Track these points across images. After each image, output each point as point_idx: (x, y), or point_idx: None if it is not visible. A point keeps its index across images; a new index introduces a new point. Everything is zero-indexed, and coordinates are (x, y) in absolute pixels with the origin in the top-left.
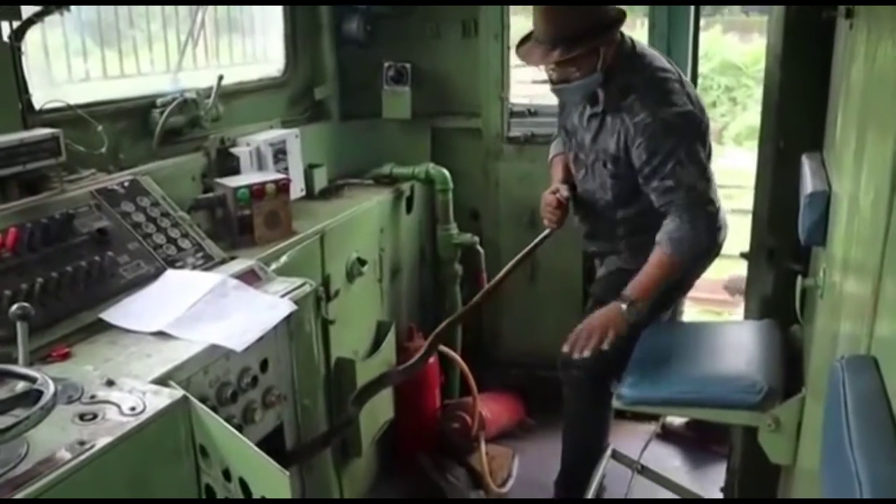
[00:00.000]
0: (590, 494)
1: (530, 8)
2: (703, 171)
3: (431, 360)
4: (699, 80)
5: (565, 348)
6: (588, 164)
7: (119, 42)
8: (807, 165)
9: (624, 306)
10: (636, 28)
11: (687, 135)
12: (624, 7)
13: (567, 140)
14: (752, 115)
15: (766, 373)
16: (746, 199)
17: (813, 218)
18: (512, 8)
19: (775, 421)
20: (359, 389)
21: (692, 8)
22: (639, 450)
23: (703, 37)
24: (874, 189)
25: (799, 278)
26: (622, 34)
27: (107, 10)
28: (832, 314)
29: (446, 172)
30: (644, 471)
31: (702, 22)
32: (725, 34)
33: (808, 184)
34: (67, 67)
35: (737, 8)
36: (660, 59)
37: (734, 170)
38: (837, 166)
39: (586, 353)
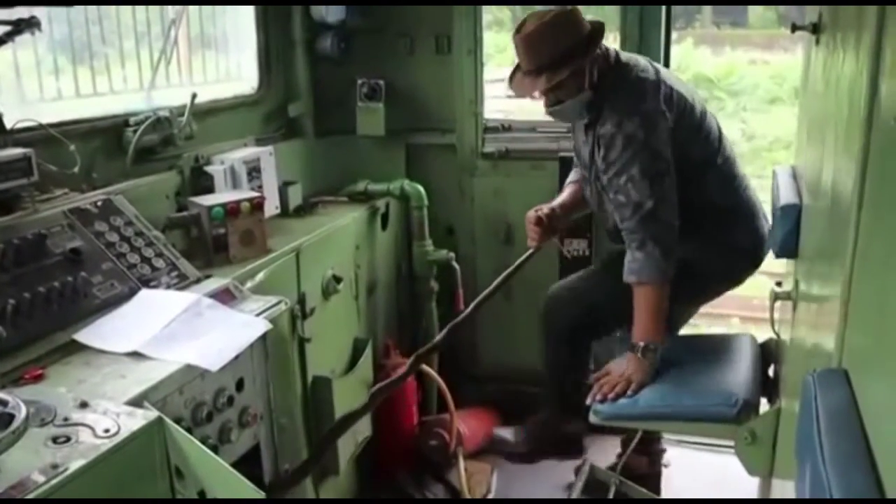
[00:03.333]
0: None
1: (503, 22)
2: (657, 188)
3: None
4: None
5: (589, 400)
6: (590, 180)
7: (91, 60)
8: (779, 178)
9: (638, 354)
10: (608, 41)
11: (647, 148)
12: (600, 20)
13: (577, 161)
14: (724, 128)
15: (741, 386)
16: None
17: (784, 230)
18: (484, 23)
19: (751, 434)
20: (341, 418)
21: (663, 21)
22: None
23: (675, 50)
24: (841, 202)
25: (771, 290)
26: (605, 46)
27: (79, 28)
28: (806, 326)
29: (421, 189)
30: (622, 485)
31: (674, 35)
32: (697, 47)
33: (780, 196)
34: (39, 86)
35: (708, 21)
36: (639, 64)
37: None
38: (807, 178)
39: (610, 398)
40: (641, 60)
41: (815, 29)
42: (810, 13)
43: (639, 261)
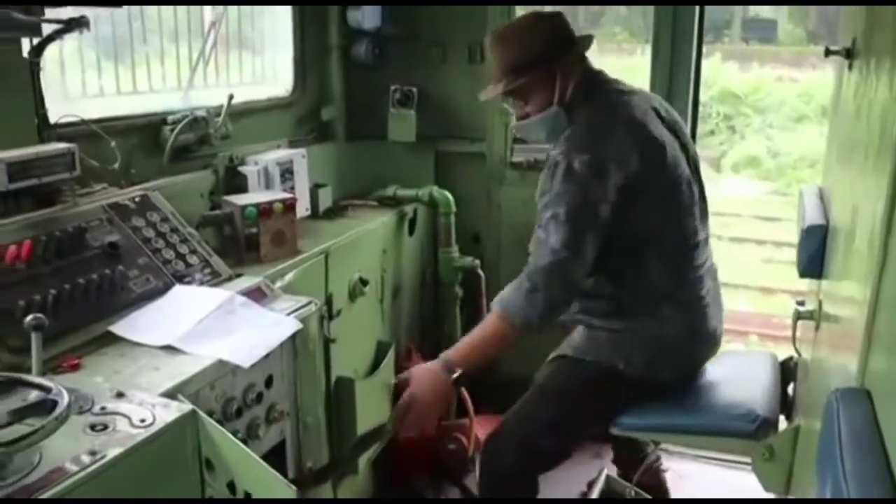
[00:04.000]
0: None
1: None
2: (576, 240)
3: None
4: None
5: (389, 425)
6: None
7: (133, 58)
8: (806, 198)
9: (438, 366)
10: (637, 54)
11: (583, 194)
12: (591, 34)
13: None
14: (750, 144)
15: (761, 402)
16: (744, 228)
17: (810, 250)
18: None
19: (769, 450)
20: (360, 437)
21: (695, 35)
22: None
23: (703, 64)
24: (869, 224)
25: (795, 309)
26: (597, 70)
27: (121, 26)
28: (828, 346)
29: (449, 196)
30: (638, 496)
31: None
32: (725, 62)
33: (806, 217)
34: (82, 83)
35: (737, 36)
36: (626, 102)
37: (732, 198)
38: (834, 200)
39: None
40: (635, 97)
41: (849, 54)
42: (843, 36)
43: (519, 300)
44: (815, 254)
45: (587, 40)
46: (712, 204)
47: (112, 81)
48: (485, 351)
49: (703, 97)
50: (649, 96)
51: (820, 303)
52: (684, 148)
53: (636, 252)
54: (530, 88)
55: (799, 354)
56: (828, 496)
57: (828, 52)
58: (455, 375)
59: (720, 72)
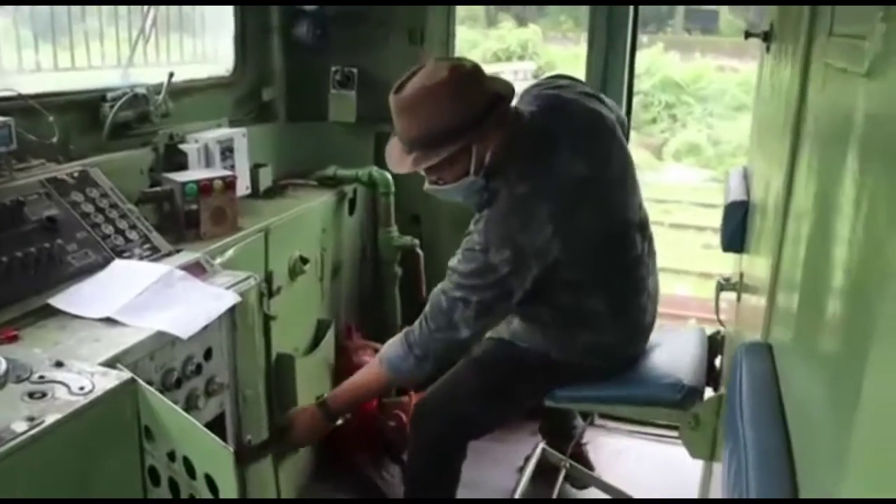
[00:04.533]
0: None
1: (477, 18)
2: (481, 318)
3: (368, 358)
4: (637, 97)
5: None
6: None
7: (70, 36)
8: (731, 178)
9: (320, 413)
10: (582, 43)
11: (498, 285)
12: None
13: None
14: (691, 132)
15: (687, 373)
16: (684, 214)
17: (732, 225)
18: (458, 19)
19: (695, 418)
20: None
21: (630, 25)
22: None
23: (646, 54)
24: (775, 195)
25: (717, 281)
26: (520, 113)
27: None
28: (745, 315)
29: (389, 176)
30: (573, 468)
31: (644, 38)
32: (667, 52)
33: (730, 194)
34: (18, 58)
35: (680, 26)
36: (543, 138)
37: (673, 185)
38: (754, 178)
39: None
40: (563, 118)
41: (767, 37)
42: (764, 21)
43: (408, 366)
44: (736, 228)
45: (506, 101)
46: (655, 191)
47: (49, 58)
48: (366, 399)
49: (645, 86)
50: (579, 96)
51: (741, 275)
52: (605, 161)
53: (571, 288)
54: (442, 163)
55: (724, 326)
56: (729, 437)
57: (747, 35)
58: (338, 423)
59: (662, 61)
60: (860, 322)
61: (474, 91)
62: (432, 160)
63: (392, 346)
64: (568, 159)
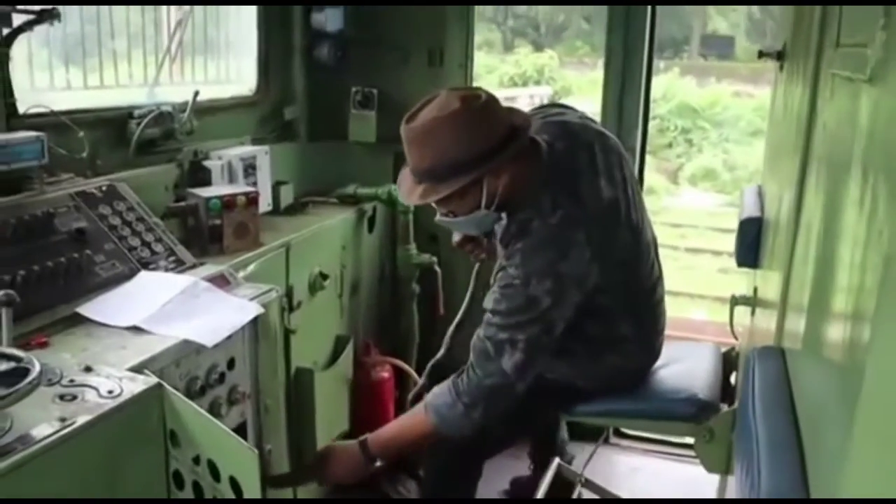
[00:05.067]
0: None
1: (493, 44)
2: (530, 359)
3: (386, 374)
4: (653, 122)
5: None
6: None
7: (100, 54)
8: (746, 195)
9: (360, 454)
10: (598, 68)
11: (544, 318)
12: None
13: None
14: (706, 157)
15: (702, 388)
16: (700, 239)
17: (746, 241)
18: (476, 40)
19: (709, 432)
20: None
21: (646, 50)
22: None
23: (662, 79)
24: (787, 208)
25: (732, 295)
26: (541, 144)
27: (89, 23)
28: (760, 328)
29: None
30: (588, 483)
31: (661, 64)
32: (683, 77)
33: (744, 211)
34: (50, 76)
35: (695, 51)
36: (564, 175)
37: (688, 209)
38: (768, 195)
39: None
40: (578, 159)
41: (780, 56)
42: (777, 41)
43: (455, 415)
44: (750, 244)
45: (522, 133)
46: (670, 215)
47: (80, 76)
48: (408, 449)
49: (662, 111)
50: (590, 140)
51: (755, 290)
52: (631, 182)
53: (602, 316)
54: (452, 196)
55: (738, 340)
56: (741, 433)
57: (761, 55)
58: (375, 465)
59: (678, 86)
60: (861, 332)
61: (487, 123)
62: (441, 193)
63: (439, 394)
64: (593, 183)
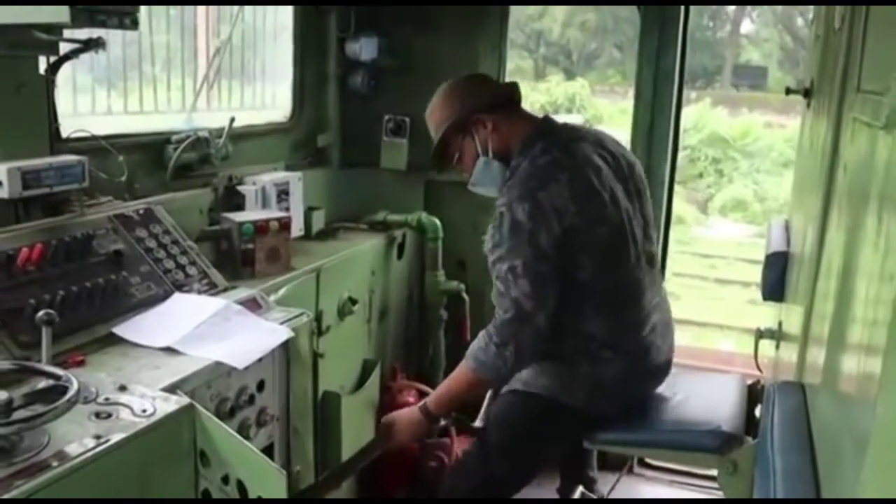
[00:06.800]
0: None
1: (525, 71)
2: (538, 291)
3: (412, 399)
4: (684, 152)
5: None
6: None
7: (140, 81)
8: (773, 229)
9: (421, 415)
10: (629, 97)
11: (531, 243)
12: (516, 81)
13: None
14: (737, 187)
15: (726, 420)
16: (729, 269)
17: (772, 275)
18: (508, 70)
19: (733, 464)
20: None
21: (676, 80)
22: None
23: (693, 109)
24: (811, 242)
25: (757, 328)
26: (539, 119)
27: (130, 50)
28: (784, 360)
29: (437, 222)
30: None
31: (692, 94)
32: (715, 107)
33: (771, 245)
34: (91, 101)
35: (727, 82)
36: (562, 141)
37: (718, 240)
38: (794, 229)
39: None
40: (582, 143)
41: (807, 93)
42: (804, 78)
43: (489, 356)
44: (777, 278)
45: (506, 88)
46: (700, 245)
47: (120, 101)
48: (461, 400)
49: (692, 140)
50: (601, 138)
51: (780, 323)
52: (635, 192)
53: (573, 304)
54: (455, 150)
55: (762, 373)
56: (759, 465)
57: (788, 91)
58: (440, 424)
59: (710, 116)
60: (874, 367)
61: (463, 87)
62: (436, 139)
63: (476, 341)
64: (591, 152)
